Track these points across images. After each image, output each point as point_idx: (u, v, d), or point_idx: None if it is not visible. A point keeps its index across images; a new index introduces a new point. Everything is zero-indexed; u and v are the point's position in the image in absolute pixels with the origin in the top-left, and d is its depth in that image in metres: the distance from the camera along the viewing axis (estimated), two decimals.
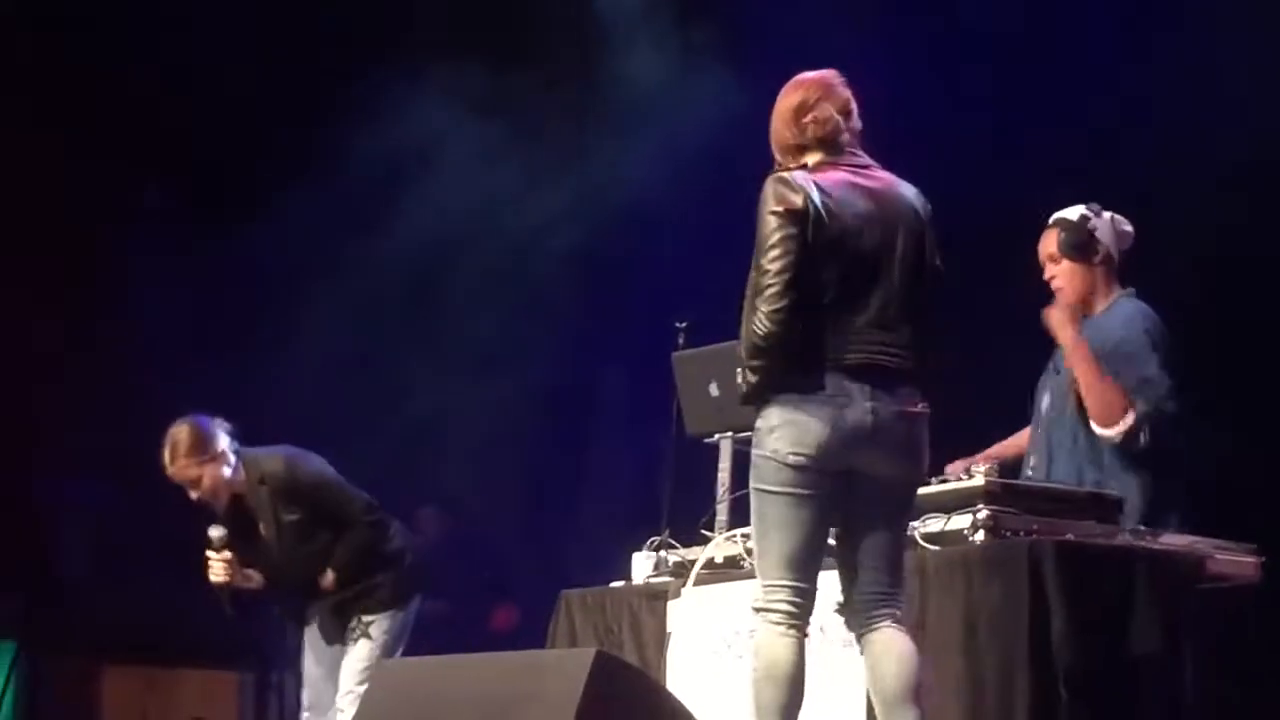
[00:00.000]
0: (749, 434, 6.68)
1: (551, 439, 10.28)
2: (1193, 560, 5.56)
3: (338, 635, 7.39)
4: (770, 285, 5.17)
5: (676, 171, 9.58)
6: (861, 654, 5.30)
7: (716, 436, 6.89)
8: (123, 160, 10.44)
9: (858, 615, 5.29)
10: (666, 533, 6.80)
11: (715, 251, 9.49)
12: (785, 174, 5.27)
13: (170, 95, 10.40)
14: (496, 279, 10.39)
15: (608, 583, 6.90)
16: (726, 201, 9.43)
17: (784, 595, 5.20)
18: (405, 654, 7.23)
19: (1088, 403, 6.23)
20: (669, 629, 6.44)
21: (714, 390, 6.86)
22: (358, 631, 7.31)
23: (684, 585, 6.45)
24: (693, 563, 6.50)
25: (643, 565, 6.78)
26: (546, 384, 10.08)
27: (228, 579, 7.30)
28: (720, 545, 6.50)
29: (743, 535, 6.44)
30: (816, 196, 5.18)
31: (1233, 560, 5.69)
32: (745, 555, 6.38)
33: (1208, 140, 7.85)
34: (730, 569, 6.43)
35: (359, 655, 7.30)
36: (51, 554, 10.49)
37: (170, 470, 7.32)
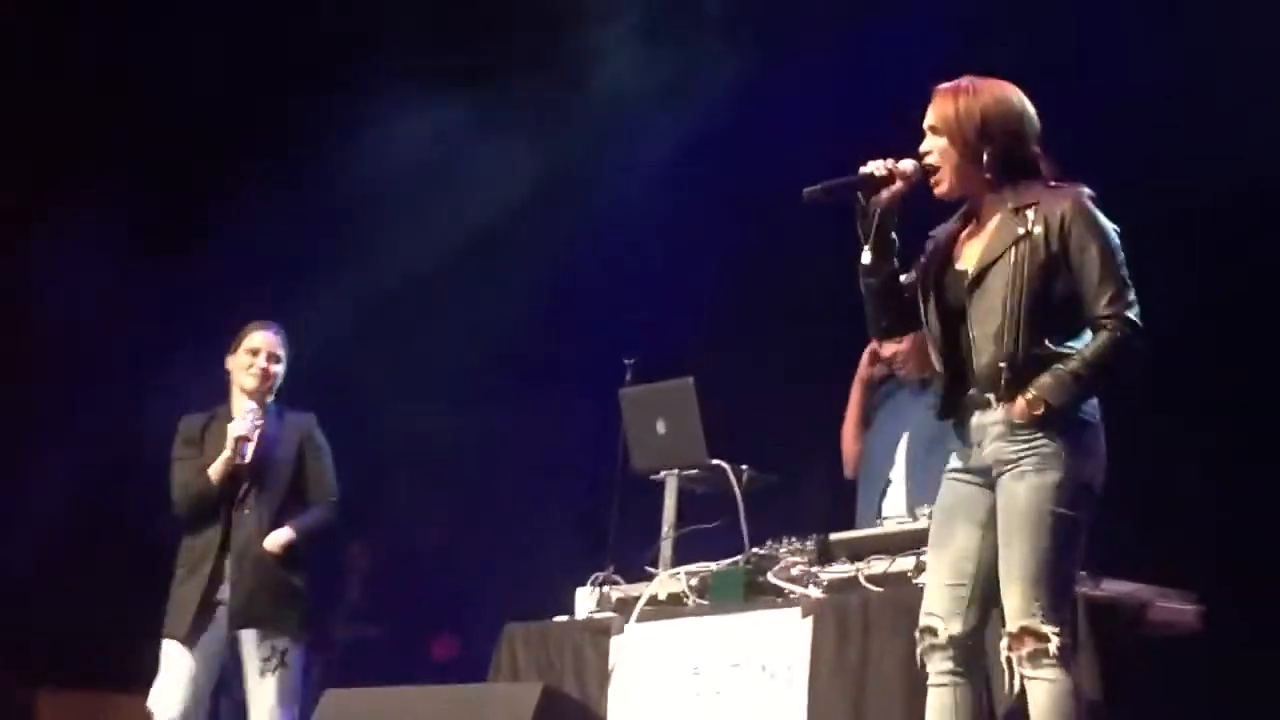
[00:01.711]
0: (694, 471, 6.81)
1: (496, 473, 10.27)
2: (1134, 607, 5.57)
3: (250, 663, 7.27)
4: (1132, 291, 5.00)
5: (641, 197, 9.61)
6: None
7: (662, 473, 6.90)
8: (74, 166, 10.40)
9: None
10: (611, 569, 6.81)
11: (671, 288, 9.58)
12: None
13: (132, 105, 10.40)
14: (445, 311, 10.39)
15: (551, 617, 6.89)
16: (685, 239, 9.52)
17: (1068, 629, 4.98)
18: (349, 684, 7.19)
19: None
20: (611, 665, 6.45)
21: (660, 427, 6.87)
22: (274, 661, 7.21)
23: (627, 621, 6.45)
24: (636, 599, 6.50)
25: (586, 600, 6.78)
26: (494, 416, 10.08)
27: (249, 436, 7.33)
28: (664, 582, 6.52)
29: (687, 573, 6.48)
30: None
31: (1174, 608, 5.70)
32: (688, 592, 6.41)
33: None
34: (674, 606, 6.44)
35: (280, 683, 7.17)
36: None
37: (268, 334, 7.50)
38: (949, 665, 5.09)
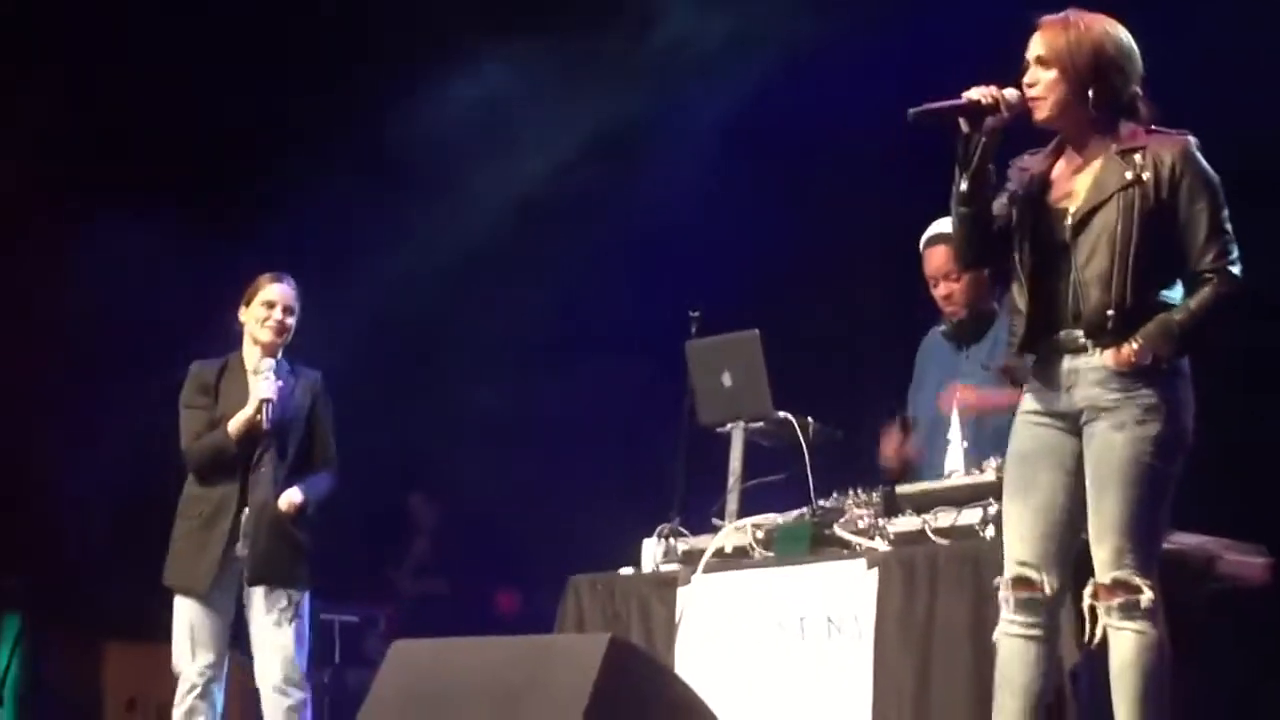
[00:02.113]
0: (760, 423, 6.81)
1: (563, 425, 10.29)
2: (1203, 559, 5.57)
3: (266, 615, 7.32)
4: (1236, 246, 4.98)
5: (699, 156, 9.58)
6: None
7: (728, 426, 6.90)
8: (129, 147, 10.43)
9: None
10: (677, 520, 6.81)
11: (733, 240, 9.57)
12: None
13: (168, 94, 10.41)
14: (513, 266, 10.40)
15: (617, 569, 6.91)
16: (745, 189, 9.50)
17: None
18: (413, 635, 7.23)
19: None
20: (678, 617, 6.47)
21: (726, 380, 6.87)
22: (290, 612, 7.27)
23: (694, 573, 6.47)
24: (702, 551, 6.52)
25: (653, 552, 6.78)
26: (560, 373, 10.10)
27: (274, 398, 7.29)
28: (730, 534, 6.52)
29: (753, 525, 6.48)
30: None
31: (1242, 561, 5.69)
32: (754, 544, 6.42)
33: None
34: (740, 558, 6.46)
35: (296, 632, 7.26)
36: (59, 535, 10.52)
37: (283, 286, 7.47)
38: (1044, 619, 5.05)
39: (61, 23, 10.53)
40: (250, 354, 7.49)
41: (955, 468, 6.50)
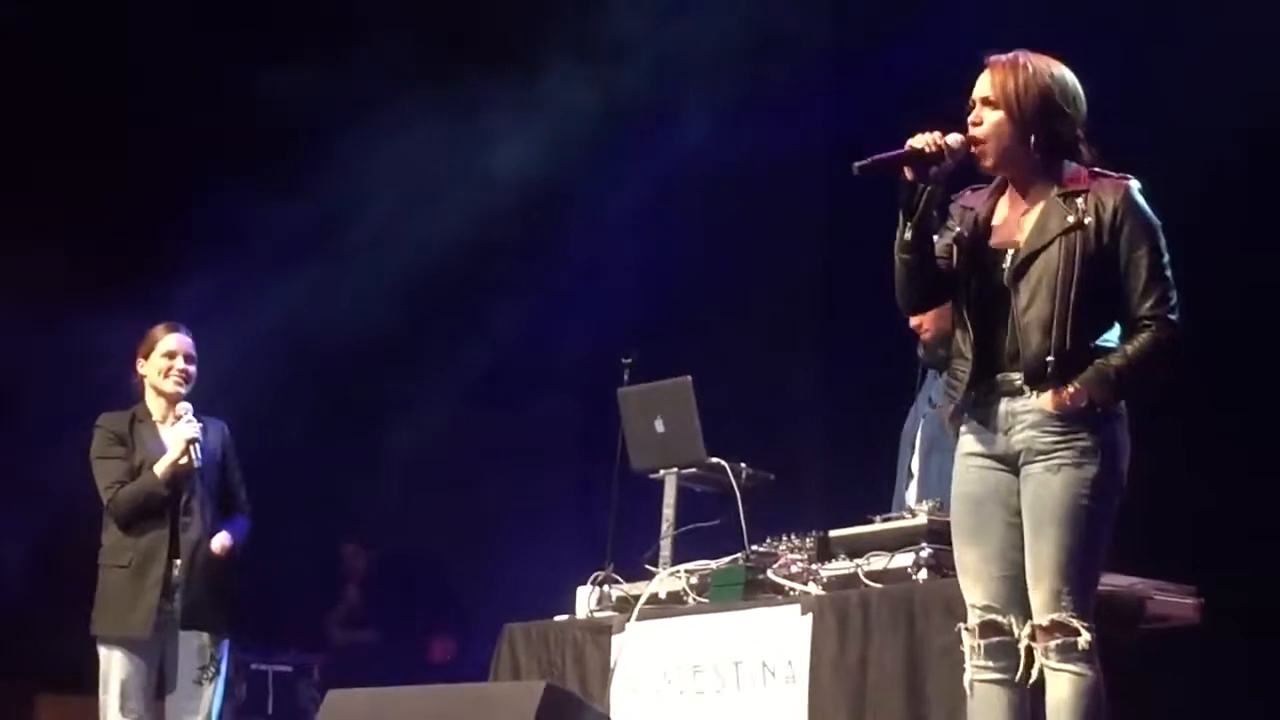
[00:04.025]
0: (693, 469, 6.83)
1: (497, 471, 10.29)
2: (1134, 600, 5.60)
3: (190, 669, 7.30)
4: (1175, 292, 4.98)
5: (634, 199, 9.60)
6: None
7: (661, 472, 6.92)
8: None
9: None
10: (610, 567, 6.83)
11: (665, 283, 9.60)
12: None
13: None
14: (439, 316, 10.39)
15: (551, 616, 6.91)
16: (679, 238, 9.54)
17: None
18: (347, 684, 7.20)
19: None
20: (613, 664, 6.47)
21: (659, 426, 6.89)
22: (211, 670, 7.25)
23: (628, 620, 6.47)
24: (637, 598, 6.53)
25: (587, 599, 6.79)
26: (491, 419, 10.09)
27: (200, 438, 7.27)
28: (664, 580, 6.54)
29: (686, 571, 6.50)
30: None
31: (1173, 601, 5.72)
32: (688, 590, 6.44)
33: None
34: (674, 604, 6.47)
35: (214, 688, 7.25)
36: None
37: (181, 335, 7.43)
38: (1013, 662, 4.97)
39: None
40: (154, 405, 7.45)
41: (912, 503, 6.50)
